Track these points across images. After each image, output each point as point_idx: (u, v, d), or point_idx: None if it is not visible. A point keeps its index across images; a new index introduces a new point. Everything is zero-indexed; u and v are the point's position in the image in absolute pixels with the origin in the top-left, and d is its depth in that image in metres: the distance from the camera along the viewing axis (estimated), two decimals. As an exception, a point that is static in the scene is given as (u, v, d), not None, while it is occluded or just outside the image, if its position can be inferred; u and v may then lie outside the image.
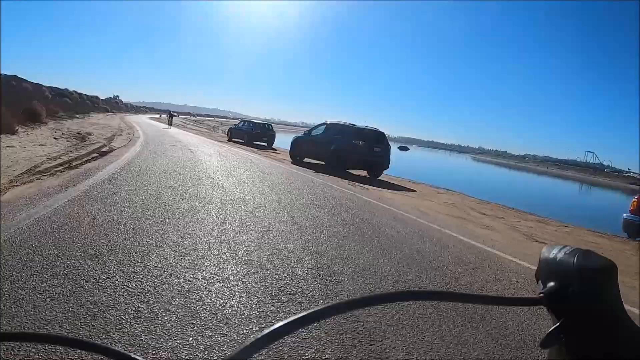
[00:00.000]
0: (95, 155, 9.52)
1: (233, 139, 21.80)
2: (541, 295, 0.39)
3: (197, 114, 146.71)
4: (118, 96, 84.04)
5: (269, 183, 8.38)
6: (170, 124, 31.57)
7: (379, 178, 13.80)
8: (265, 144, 21.27)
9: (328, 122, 14.29)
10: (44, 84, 29.67)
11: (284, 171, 11.24)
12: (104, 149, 10.65)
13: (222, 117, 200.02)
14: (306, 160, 14.98)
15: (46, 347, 1.78)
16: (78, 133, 13.29)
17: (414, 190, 12.07)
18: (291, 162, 14.52)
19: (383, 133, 13.92)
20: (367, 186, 10.88)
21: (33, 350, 1.76)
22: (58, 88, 33.23)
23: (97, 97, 46.06)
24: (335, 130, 13.76)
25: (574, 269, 0.37)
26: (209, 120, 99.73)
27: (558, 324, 0.37)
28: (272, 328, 0.32)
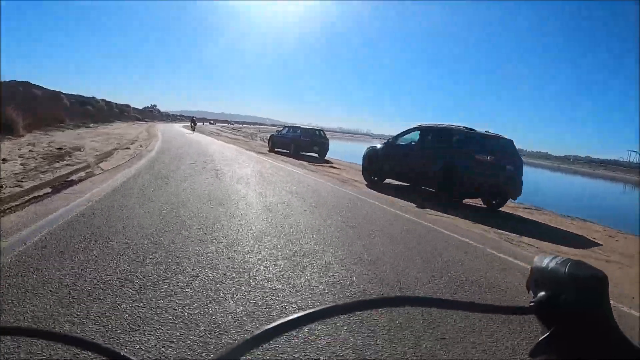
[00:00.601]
0: (46, 191, 5.26)
1: (276, 150, 17.28)
2: (532, 304, 0.38)
3: (234, 122, 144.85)
4: (155, 105, 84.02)
5: (373, 258, 3.54)
6: (193, 129, 32.04)
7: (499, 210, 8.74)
8: (317, 155, 16.61)
9: (423, 125, 9.33)
10: (64, 91, 26.86)
11: (374, 210, 6.39)
12: (75, 176, 6.37)
13: (260, 123, 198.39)
14: (386, 181, 10.12)
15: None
16: (59, 149, 9.18)
17: (598, 243, 6.87)
18: (366, 185, 9.69)
19: (513, 141, 8.79)
20: (534, 242, 5.83)
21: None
22: (82, 96, 30.74)
23: (128, 106, 43.41)
24: (440, 138, 8.77)
25: (566, 278, 0.37)
26: (246, 127, 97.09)
27: (548, 333, 0.37)
28: (261, 330, 0.32)
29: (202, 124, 68.40)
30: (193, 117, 40.43)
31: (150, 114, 59.20)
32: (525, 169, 8.94)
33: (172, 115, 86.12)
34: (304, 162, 13.78)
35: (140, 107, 66.67)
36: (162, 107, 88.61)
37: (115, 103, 39.92)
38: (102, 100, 34.10)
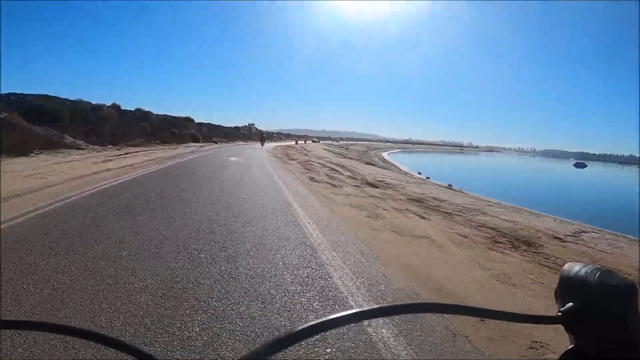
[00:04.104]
0: None
1: None
2: (559, 314, 0.37)
3: (339, 138, 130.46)
4: (253, 124, 75.42)
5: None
6: (262, 145, 29.71)
7: None
8: None
9: None
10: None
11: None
12: None
13: (364, 139, 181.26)
14: None
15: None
16: None
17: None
18: None
19: None
20: None
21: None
22: (71, 100, 18.61)
23: (188, 119, 30.87)
24: None
25: (595, 287, 0.36)
26: (352, 144, 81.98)
27: (574, 344, 0.36)
28: (290, 332, 0.31)
29: (303, 142, 54.91)
30: (262, 132, 38.98)
31: (236, 133, 46.71)
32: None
33: (268, 133, 74.71)
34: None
35: (230, 126, 55.27)
36: (261, 126, 78.02)
37: (174, 116, 26.92)
38: (114, 105, 20.60)
